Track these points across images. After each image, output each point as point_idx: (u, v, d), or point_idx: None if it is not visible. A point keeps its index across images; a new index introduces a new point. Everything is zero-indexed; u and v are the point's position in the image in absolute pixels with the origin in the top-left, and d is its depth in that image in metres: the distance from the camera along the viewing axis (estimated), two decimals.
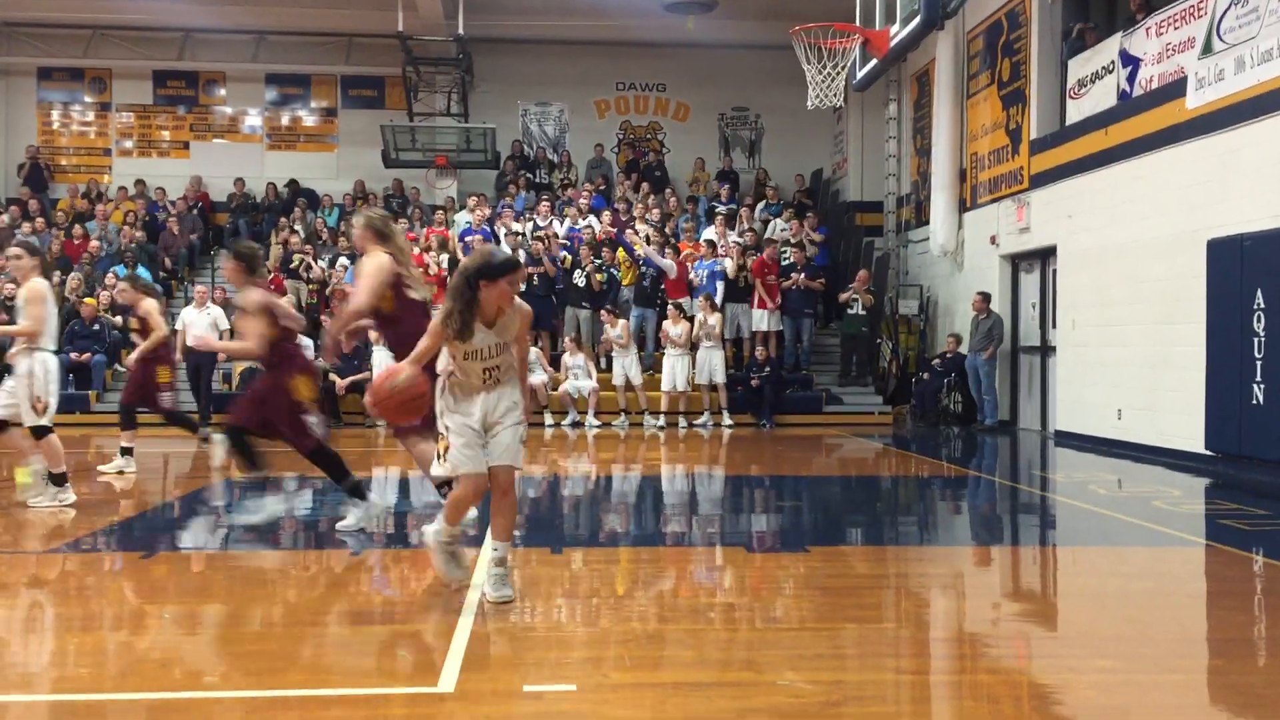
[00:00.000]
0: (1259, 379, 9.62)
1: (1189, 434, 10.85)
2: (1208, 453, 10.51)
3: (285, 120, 22.60)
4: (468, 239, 17.70)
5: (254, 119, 22.55)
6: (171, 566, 6.37)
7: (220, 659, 4.47)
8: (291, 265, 17.84)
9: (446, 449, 5.02)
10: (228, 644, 4.70)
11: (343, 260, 17.43)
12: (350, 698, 3.95)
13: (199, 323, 15.16)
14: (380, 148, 20.78)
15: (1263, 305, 9.59)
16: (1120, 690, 4.08)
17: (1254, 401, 9.68)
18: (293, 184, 21.43)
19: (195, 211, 20.58)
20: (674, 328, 15.84)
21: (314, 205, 20.77)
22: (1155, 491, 9.38)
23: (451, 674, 4.07)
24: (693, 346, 15.97)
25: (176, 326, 15.31)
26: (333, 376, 15.33)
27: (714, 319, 15.90)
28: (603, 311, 16.30)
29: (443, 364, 5.12)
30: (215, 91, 22.45)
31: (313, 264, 17.44)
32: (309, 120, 22.62)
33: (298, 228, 19.18)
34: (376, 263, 6.79)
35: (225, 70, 22.33)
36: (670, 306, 16.16)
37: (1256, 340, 9.66)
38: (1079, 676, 4.25)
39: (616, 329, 15.92)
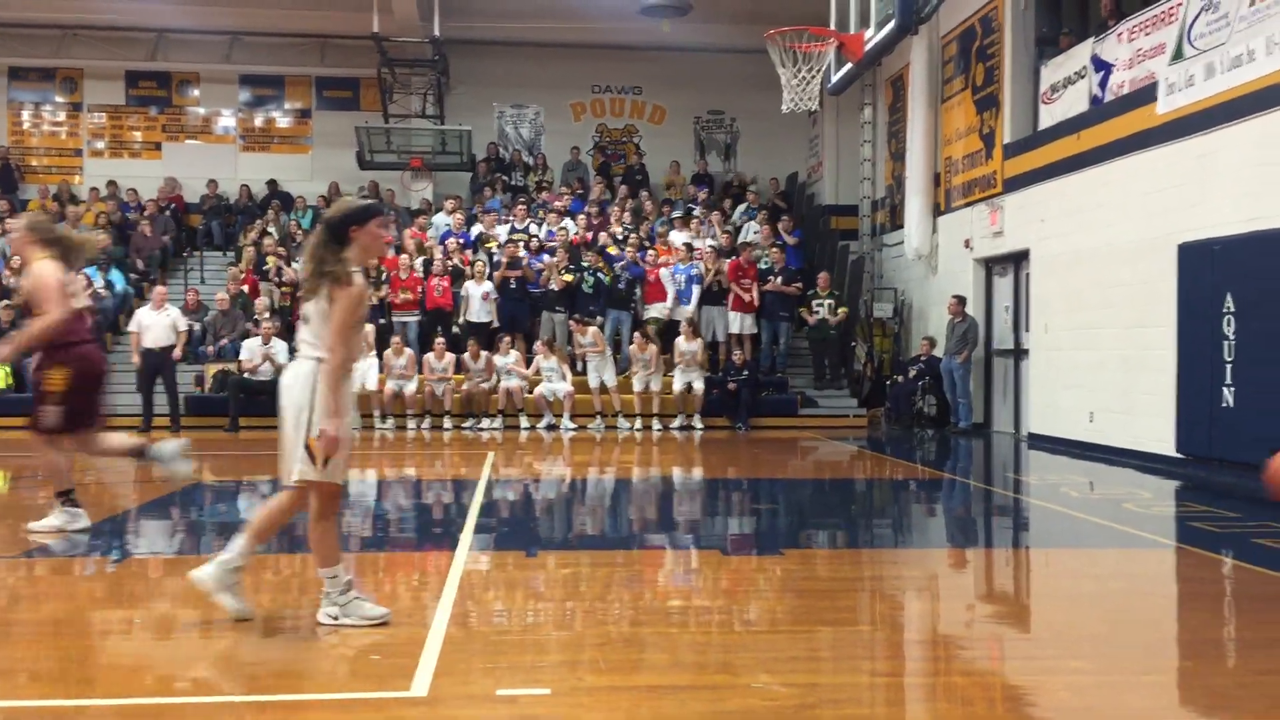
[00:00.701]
0: (1229, 382, 9.71)
1: (1160, 437, 10.93)
2: (1178, 455, 10.60)
3: (259, 121, 22.46)
4: (448, 241, 17.64)
5: (227, 120, 22.40)
6: (143, 571, 6.31)
7: (192, 664, 4.43)
8: (265, 267, 17.73)
9: (329, 456, 4.60)
10: (200, 649, 4.66)
11: None
12: (322, 702, 3.92)
13: (157, 324, 14.97)
14: (355, 149, 20.69)
15: (1233, 309, 9.68)
16: (1093, 691, 4.10)
17: (1224, 404, 9.76)
18: (272, 184, 21.33)
19: (168, 213, 20.42)
20: (641, 354, 15.81)
21: (288, 207, 20.65)
22: (1126, 494, 9.45)
23: (425, 678, 4.05)
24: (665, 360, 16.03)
25: (131, 328, 15.16)
26: None
27: (694, 344, 15.90)
28: (571, 321, 16.29)
29: (308, 349, 4.65)
30: (188, 92, 22.29)
31: (285, 267, 17.32)
32: (283, 121, 22.50)
33: (271, 229, 19.06)
34: (50, 268, 6.74)
35: (198, 71, 22.16)
36: (637, 334, 16.11)
37: (1226, 344, 9.74)
38: (1052, 678, 4.27)
39: (587, 336, 15.90)
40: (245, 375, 15.36)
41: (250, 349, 15.45)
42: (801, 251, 18.93)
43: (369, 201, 4.99)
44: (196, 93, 22.31)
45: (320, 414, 4.56)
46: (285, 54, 21.79)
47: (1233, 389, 9.65)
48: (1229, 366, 9.70)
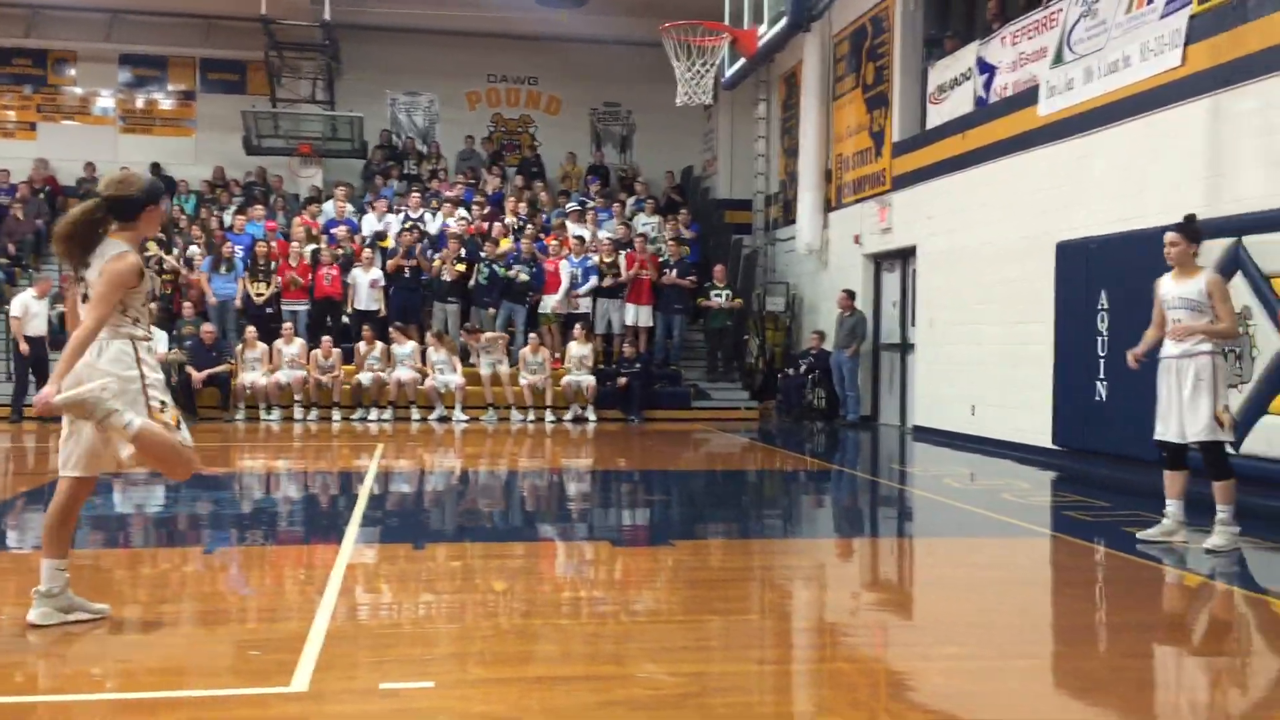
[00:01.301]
0: (1102, 377, 10.05)
1: (1038, 429, 11.27)
2: (1055, 447, 10.94)
3: (140, 103, 21.71)
4: (333, 230, 17.29)
5: (106, 101, 21.61)
6: (11, 566, 6.06)
7: (64, 661, 4.26)
8: (144, 253, 17.17)
9: (177, 421, 4.53)
10: (72, 646, 4.49)
11: (194, 249, 16.84)
12: (199, 699, 3.81)
13: (43, 313, 14.47)
14: (241, 134, 20.15)
15: (1106, 306, 10.02)
16: (968, 676, 4.21)
17: (1097, 398, 10.11)
18: (155, 167, 20.64)
19: (42, 196, 19.63)
20: (533, 357, 15.73)
21: (170, 192, 20.03)
22: (1005, 484, 9.73)
23: (305, 674, 3.96)
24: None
25: (14, 313, 14.60)
26: (189, 369, 14.81)
27: (585, 348, 15.88)
28: (463, 332, 16.09)
29: (112, 324, 4.42)
30: (65, 71, 21.44)
31: (165, 255, 16.74)
32: (165, 103, 21.77)
33: None
34: None
35: (76, 49, 21.32)
36: (532, 336, 16.02)
37: (1100, 340, 10.08)
38: (930, 664, 4.37)
39: (481, 342, 15.80)
40: None
41: None
42: (698, 245, 19.03)
43: (156, 179, 4.86)
44: (74, 72, 21.47)
45: (55, 374, 4.34)
46: (168, 34, 21.10)
47: (1105, 384, 10.00)
48: (1102, 362, 10.05)
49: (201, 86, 21.72)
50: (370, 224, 17.85)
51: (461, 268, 16.50)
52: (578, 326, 16.14)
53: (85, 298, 4.46)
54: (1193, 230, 6.83)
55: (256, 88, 21.20)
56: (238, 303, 16.21)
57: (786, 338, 18.75)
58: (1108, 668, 4.45)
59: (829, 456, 12.91)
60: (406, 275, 16.36)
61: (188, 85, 21.73)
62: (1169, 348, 6.73)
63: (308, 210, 18.26)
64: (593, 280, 16.70)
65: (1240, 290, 8.10)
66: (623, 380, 15.91)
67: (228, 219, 18.23)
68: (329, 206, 18.45)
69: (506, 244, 17.25)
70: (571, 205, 19.13)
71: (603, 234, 17.90)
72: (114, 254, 4.43)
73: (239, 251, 16.62)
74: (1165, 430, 6.71)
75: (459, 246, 16.70)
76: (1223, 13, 9.14)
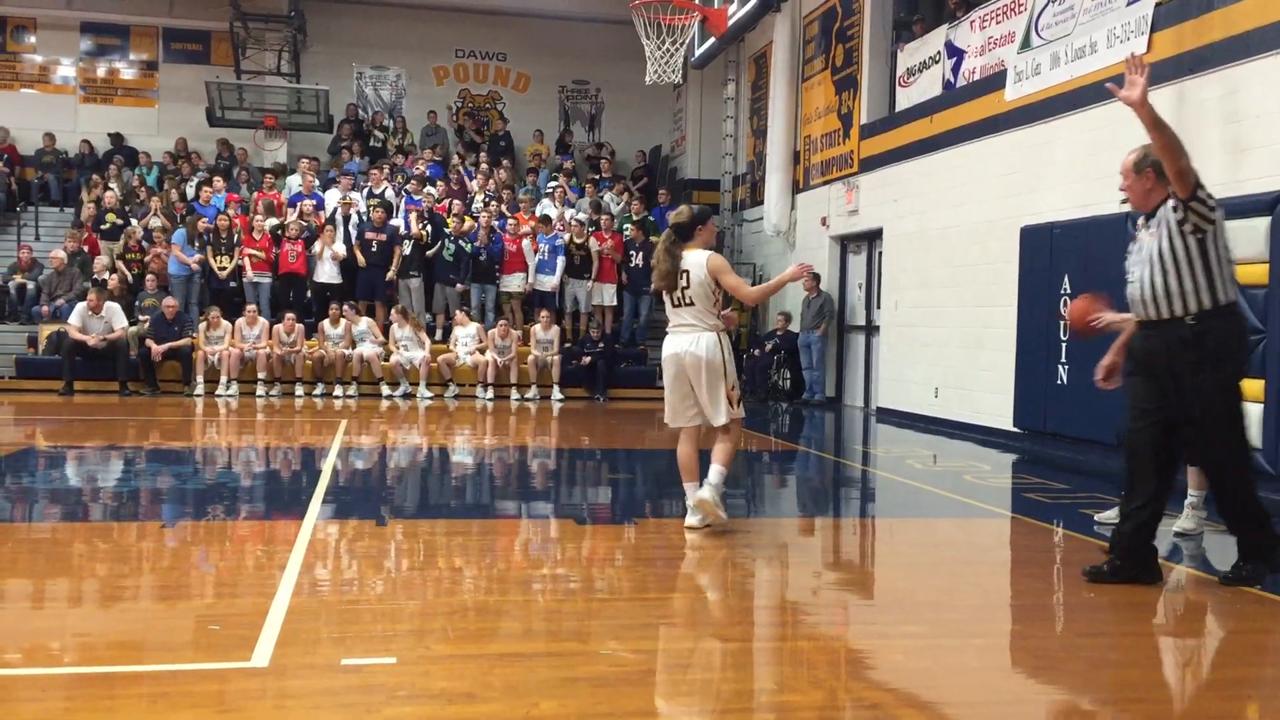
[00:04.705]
0: (1064, 360, 10.17)
1: (999, 411, 11.39)
2: (1016, 430, 11.06)
3: (101, 72, 21.39)
4: (300, 204, 17.10)
5: (67, 69, 21.27)
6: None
7: (23, 635, 4.22)
8: (103, 226, 16.93)
9: (740, 398, 6.40)
10: (32, 620, 4.45)
11: (155, 221, 16.63)
12: (158, 674, 3.79)
13: None
14: (205, 105, 19.90)
15: (1069, 290, 10.12)
16: (927, 654, 4.26)
17: (1059, 382, 10.22)
18: (116, 138, 20.37)
19: (1, 164, 19.31)
20: (501, 340, 15.66)
21: (132, 163, 19.75)
22: (966, 466, 9.82)
23: (266, 649, 3.95)
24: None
25: None
26: (149, 342, 14.65)
27: (550, 333, 15.83)
28: (458, 313, 15.98)
29: (698, 322, 6.33)
30: (24, 39, 21.07)
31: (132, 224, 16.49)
32: (127, 73, 21.46)
33: (113, 185, 18.20)
34: None
35: (36, 17, 20.97)
36: (502, 322, 15.91)
37: (1062, 324, 10.18)
38: (889, 641, 4.42)
39: (469, 328, 15.71)
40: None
41: (80, 315, 14.63)
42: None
43: (704, 206, 6.67)
44: (33, 39, 21.12)
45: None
46: (130, 2, 20.81)
47: (1066, 367, 10.11)
48: (1064, 345, 10.16)
49: (164, 56, 21.43)
50: (334, 198, 17.67)
51: (422, 233, 16.29)
52: (545, 312, 16.04)
53: (679, 301, 6.36)
54: None
55: (220, 58, 20.95)
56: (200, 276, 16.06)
57: (752, 319, 18.80)
58: (1062, 646, 4.51)
59: (793, 437, 12.97)
60: (374, 250, 16.18)
61: (150, 55, 21.43)
62: None
63: (264, 182, 18.03)
64: (561, 262, 16.60)
65: None
66: (587, 359, 15.89)
67: (190, 191, 18.01)
68: (294, 180, 18.26)
69: (472, 221, 17.15)
70: (542, 183, 18.98)
71: (570, 213, 17.83)
72: (702, 259, 6.28)
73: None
74: None
75: (423, 224, 16.49)
76: (1188, 1, 9.22)
